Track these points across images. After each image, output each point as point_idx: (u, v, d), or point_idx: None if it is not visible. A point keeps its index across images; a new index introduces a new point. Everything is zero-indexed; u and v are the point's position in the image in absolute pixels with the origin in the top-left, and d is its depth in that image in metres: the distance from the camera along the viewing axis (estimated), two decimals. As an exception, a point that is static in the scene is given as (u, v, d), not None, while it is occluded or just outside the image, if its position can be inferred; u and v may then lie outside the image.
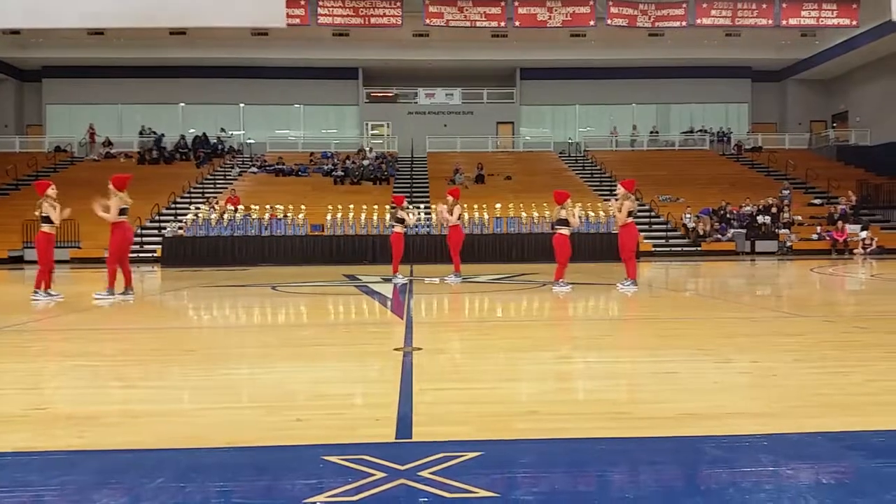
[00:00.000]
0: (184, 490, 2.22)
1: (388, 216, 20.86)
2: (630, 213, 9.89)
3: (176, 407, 3.47)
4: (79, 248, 21.49)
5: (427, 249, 19.88)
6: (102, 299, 8.75)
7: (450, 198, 12.19)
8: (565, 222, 10.01)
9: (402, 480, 2.26)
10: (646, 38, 31.07)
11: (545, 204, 21.39)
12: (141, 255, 20.47)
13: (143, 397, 3.65)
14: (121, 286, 9.11)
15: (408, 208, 16.72)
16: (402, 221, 12.48)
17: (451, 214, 12.07)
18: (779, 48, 33.66)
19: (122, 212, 8.97)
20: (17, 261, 21.24)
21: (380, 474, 2.31)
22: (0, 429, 3.01)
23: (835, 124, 35.81)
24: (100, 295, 8.90)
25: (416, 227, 20.07)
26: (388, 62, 33.76)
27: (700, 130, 35.77)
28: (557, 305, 8.34)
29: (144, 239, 22.34)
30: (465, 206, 21.41)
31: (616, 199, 10.28)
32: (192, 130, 33.92)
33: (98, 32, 29.41)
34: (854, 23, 27.63)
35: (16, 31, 29.28)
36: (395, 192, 27.39)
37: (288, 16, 24.89)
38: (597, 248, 19.43)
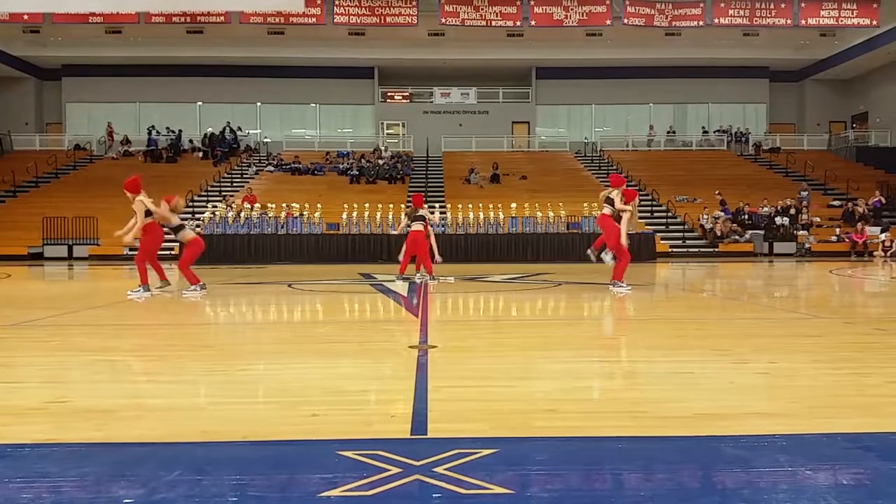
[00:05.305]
0: (200, 483, 2.23)
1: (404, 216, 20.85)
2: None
3: (193, 401, 3.50)
4: (97, 245, 21.71)
5: (442, 249, 19.83)
6: (136, 294, 8.88)
7: (410, 207, 11.94)
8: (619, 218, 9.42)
9: (416, 476, 2.25)
10: (662, 38, 30.89)
11: (560, 204, 21.35)
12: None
13: (160, 392, 3.68)
14: (156, 280, 9.41)
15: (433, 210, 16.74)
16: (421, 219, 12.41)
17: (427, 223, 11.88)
18: (797, 48, 33.34)
19: (147, 213, 9.10)
20: (36, 258, 21.46)
21: (395, 469, 2.31)
22: (20, 421, 3.05)
23: (854, 125, 35.42)
24: (133, 291, 9.00)
25: (432, 225, 20.03)
26: (403, 61, 33.80)
27: (717, 131, 35.49)
28: (573, 305, 8.31)
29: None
30: (481, 205, 21.42)
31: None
32: (209, 129, 34.14)
33: (116, 31, 29.72)
34: (874, 22, 27.37)
35: (35, 30, 29.68)
36: (410, 191, 27.42)
37: (304, 14, 25.13)
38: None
